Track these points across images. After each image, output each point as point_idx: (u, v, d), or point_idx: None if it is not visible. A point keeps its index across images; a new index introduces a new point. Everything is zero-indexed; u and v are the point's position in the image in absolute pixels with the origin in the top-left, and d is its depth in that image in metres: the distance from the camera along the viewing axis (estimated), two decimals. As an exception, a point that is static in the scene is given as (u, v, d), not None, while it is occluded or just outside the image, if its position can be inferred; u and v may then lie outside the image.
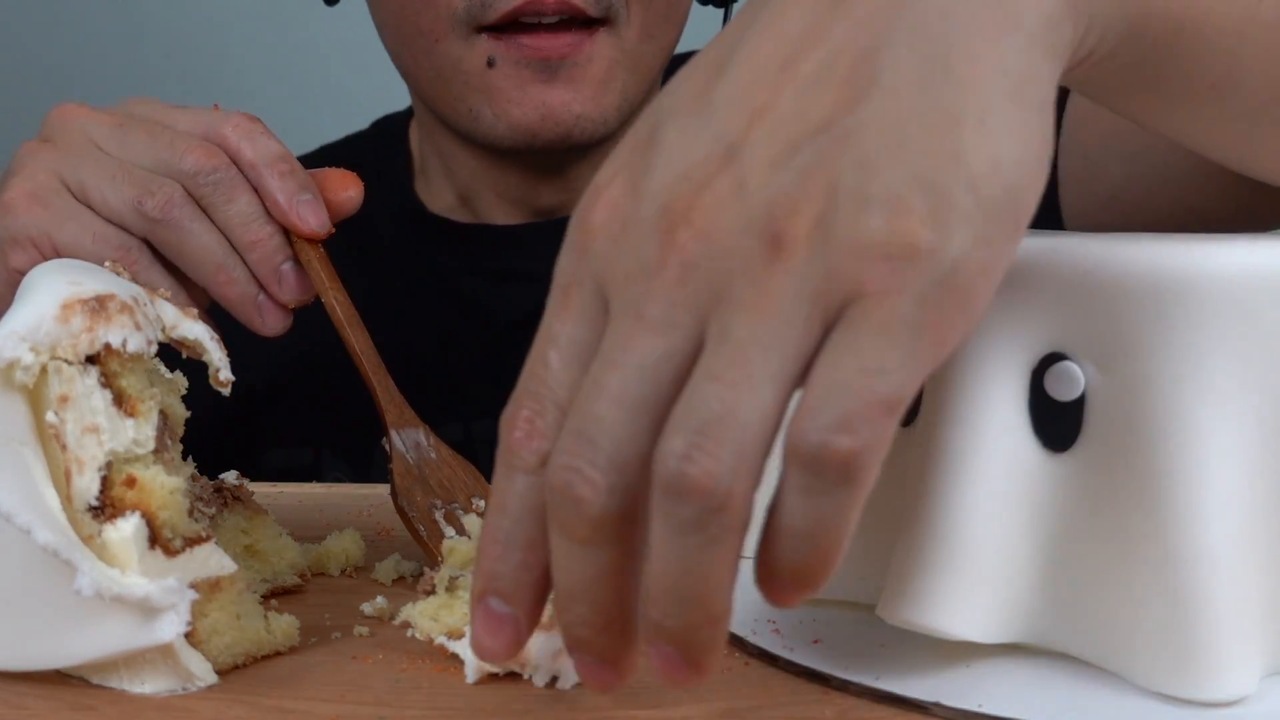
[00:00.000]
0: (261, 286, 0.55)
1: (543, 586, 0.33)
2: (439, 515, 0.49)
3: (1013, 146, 0.31)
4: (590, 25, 0.73)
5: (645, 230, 0.32)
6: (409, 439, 0.52)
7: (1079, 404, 0.37)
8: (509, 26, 0.72)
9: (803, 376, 0.30)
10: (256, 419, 0.78)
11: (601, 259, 0.33)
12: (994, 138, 0.31)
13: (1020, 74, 0.32)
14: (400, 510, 0.50)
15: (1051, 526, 0.38)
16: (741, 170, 0.31)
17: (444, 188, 0.87)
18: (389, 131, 0.92)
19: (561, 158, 0.79)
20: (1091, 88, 0.39)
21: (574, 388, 0.32)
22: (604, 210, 0.33)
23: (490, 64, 0.73)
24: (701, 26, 0.89)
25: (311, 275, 0.55)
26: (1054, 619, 0.38)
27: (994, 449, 0.37)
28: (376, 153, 0.91)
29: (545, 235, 0.83)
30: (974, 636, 0.37)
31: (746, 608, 0.44)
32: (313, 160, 0.93)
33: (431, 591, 0.44)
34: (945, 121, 0.30)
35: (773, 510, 0.31)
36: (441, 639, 0.41)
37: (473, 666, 0.40)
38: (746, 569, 0.48)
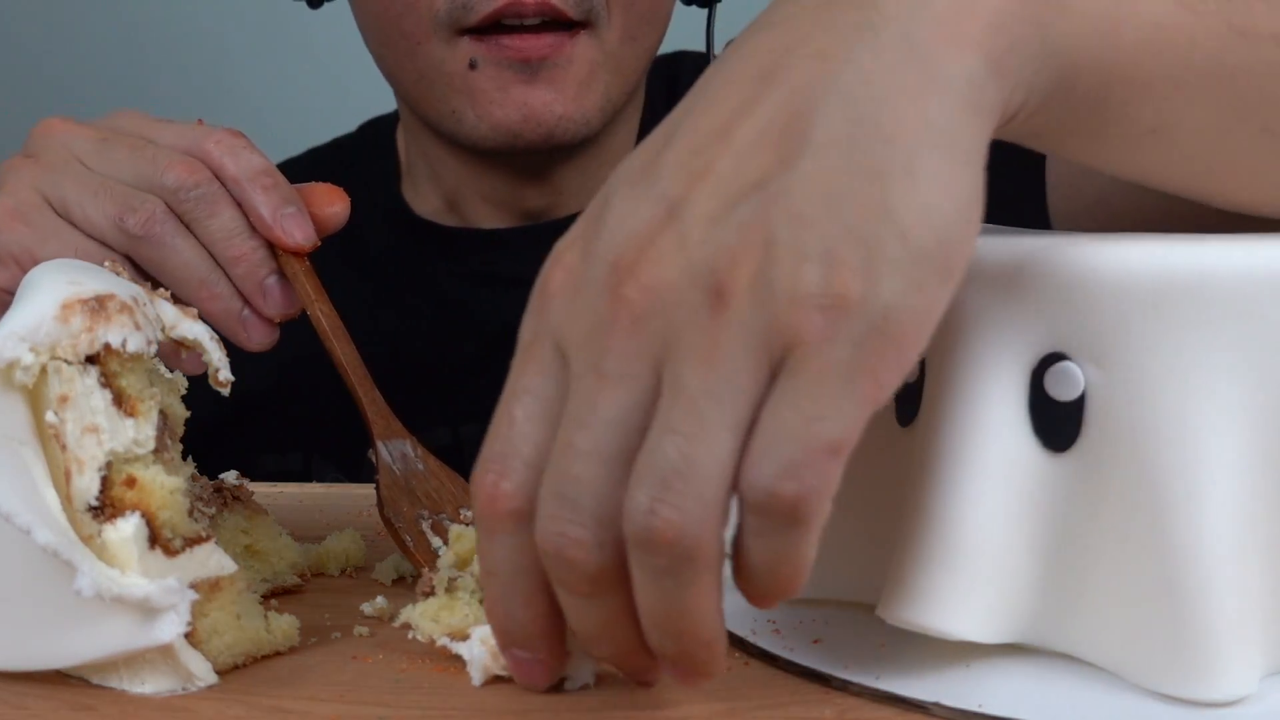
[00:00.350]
0: (246, 301, 0.55)
1: (554, 625, 0.36)
2: (426, 526, 0.49)
3: (941, 197, 0.32)
4: (571, 28, 0.73)
5: (596, 288, 0.34)
6: (395, 450, 0.52)
7: (1079, 404, 0.37)
8: (490, 29, 0.72)
9: (754, 420, 0.32)
10: (248, 423, 0.78)
11: (559, 318, 0.35)
12: (922, 189, 0.32)
13: (945, 129, 0.33)
14: (386, 521, 0.49)
15: (1051, 526, 0.38)
16: (683, 226, 0.33)
17: (430, 191, 0.87)
18: (376, 135, 0.92)
19: (546, 159, 0.79)
20: (1031, 139, 0.40)
21: (540, 442, 0.34)
22: (560, 273, 0.35)
23: (472, 66, 0.73)
24: (686, 27, 0.89)
25: (297, 289, 0.54)
26: (1054, 619, 0.38)
27: (994, 449, 0.37)
28: (364, 156, 0.91)
29: (532, 238, 0.83)
30: (974, 636, 0.37)
31: (746, 608, 0.45)
32: (301, 164, 0.93)
33: (430, 593, 0.44)
34: (874, 176, 0.32)
35: (735, 545, 0.33)
36: (444, 640, 0.41)
37: (479, 668, 0.40)
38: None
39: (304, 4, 0.87)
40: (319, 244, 0.56)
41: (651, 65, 0.90)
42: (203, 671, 0.39)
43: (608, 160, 0.84)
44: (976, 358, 0.38)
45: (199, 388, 0.44)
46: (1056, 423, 0.37)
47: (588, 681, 0.39)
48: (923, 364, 0.40)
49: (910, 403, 0.41)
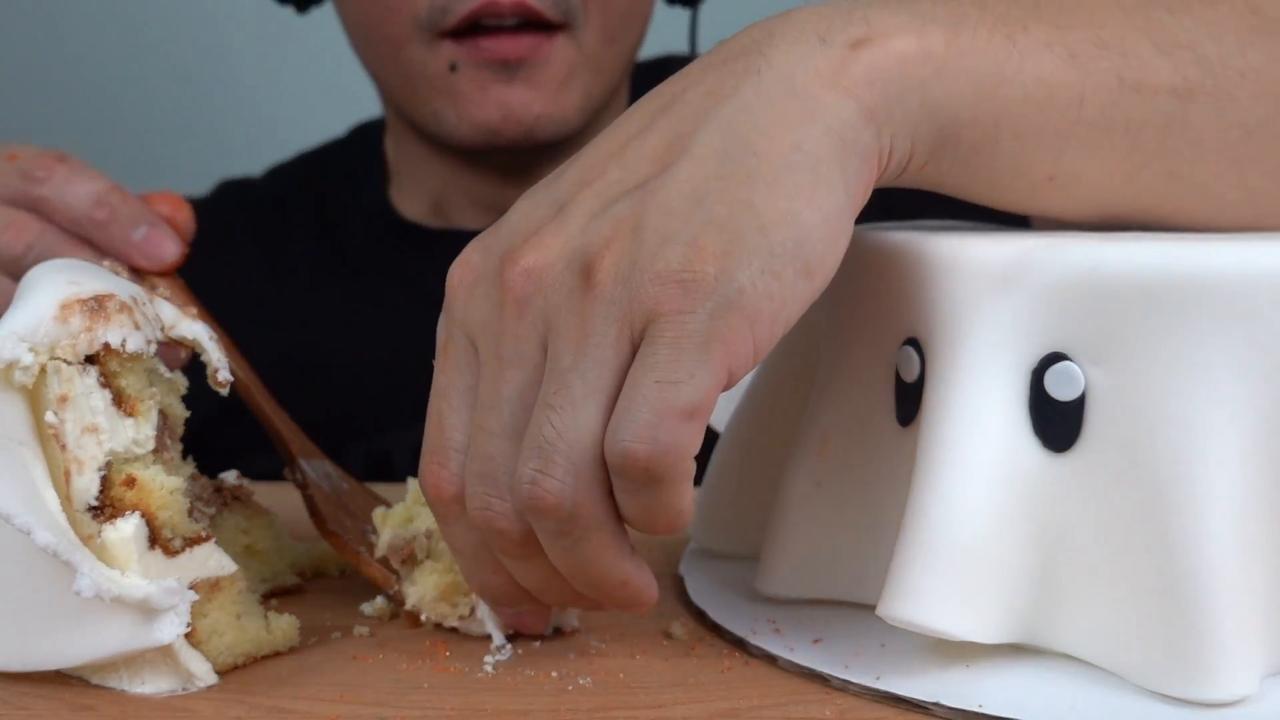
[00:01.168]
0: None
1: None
2: (372, 538, 0.47)
3: (803, 205, 0.36)
4: (549, 29, 0.73)
5: (489, 280, 0.38)
6: (318, 469, 0.51)
7: (1079, 404, 0.37)
8: (469, 31, 0.73)
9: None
10: (228, 425, 0.78)
11: (463, 312, 0.39)
12: (785, 196, 0.36)
13: (814, 154, 0.36)
14: (333, 535, 0.47)
15: (1051, 526, 0.38)
16: (566, 220, 0.37)
17: (416, 194, 0.87)
18: (365, 139, 0.92)
19: (528, 159, 0.80)
20: (935, 186, 0.42)
21: (465, 429, 0.39)
22: (462, 271, 0.39)
23: (453, 68, 0.74)
24: (669, 27, 0.89)
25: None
26: (1054, 619, 0.38)
27: (994, 449, 0.37)
28: (353, 160, 0.92)
29: None
30: (974, 636, 0.37)
31: (747, 608, 0.45)
32: (292, 167, 0.94)
33: (402, 601, 0.44)
34: (741, 181, 0.36)
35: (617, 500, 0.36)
36: (455, 623, 0.43)
37: (496, 628, 0.43)
38: (748, 569, 0.48)
39: (319, 5, 0.88)
40: (187, 252, 0.53)
41: (637, 69, 0.89)
42: (203, 671, 0.39)
43: None
44: (976, 358, 0.38)
45: (191, 390, 0.44)
46: (1056, 423, 0.37)
47: (574, 625, 0.44)
48: (923, 364, 0.40)
49: (910, 403, 0.41)
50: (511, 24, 0.73)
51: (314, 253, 0.88)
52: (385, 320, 0.85)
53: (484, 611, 0.43)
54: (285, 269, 0.88)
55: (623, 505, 0.36)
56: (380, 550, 0.45)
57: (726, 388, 0.35)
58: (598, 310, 0.35)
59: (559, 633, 0.44)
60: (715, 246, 0.34)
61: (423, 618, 0.44)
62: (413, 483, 0.46)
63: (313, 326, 0.85)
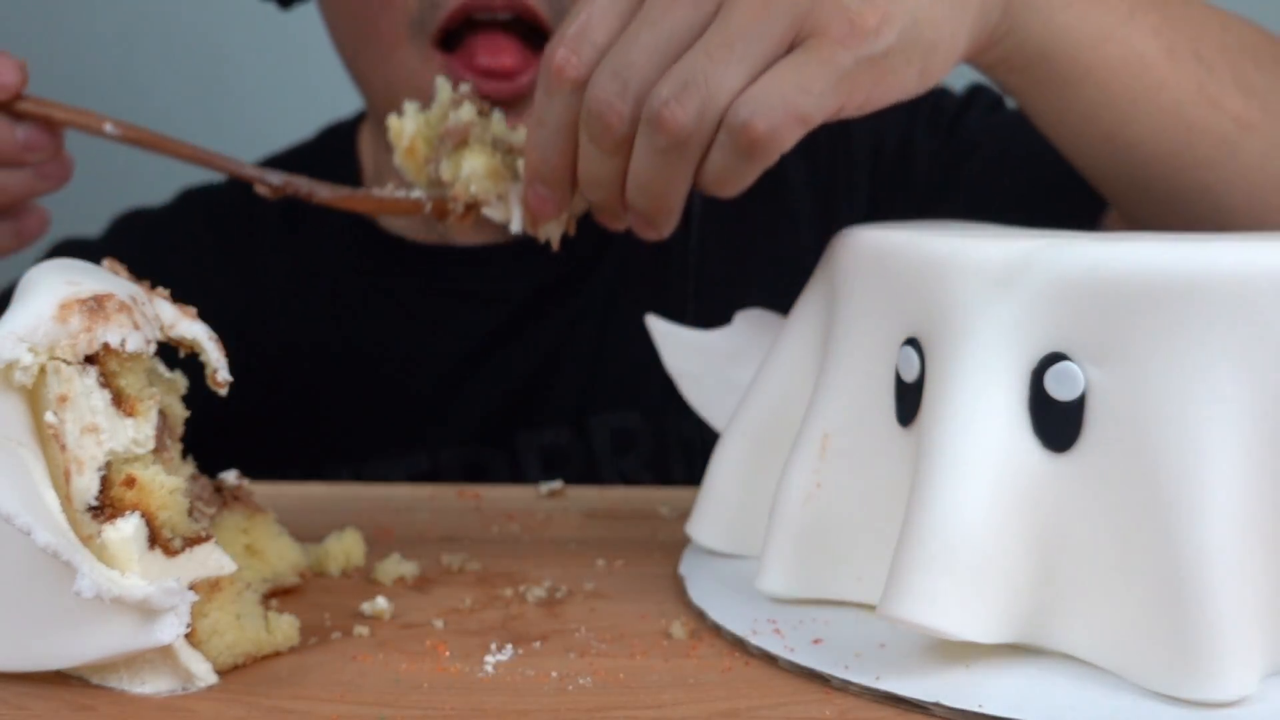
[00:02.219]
0: None
1: (570, 175, 0.48)
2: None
3: (945, 23, 0.46)
4: (542, 38, 0.70)
5: None
6: (276, 176, 0.55)
7: (1079, 404, 0.37)
8: (460, 35, 0.70)
9: (763, 71, 0.43)
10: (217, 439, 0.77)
11: None
12: (941, 9, 0.46)
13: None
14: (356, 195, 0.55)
15: (1051, 526, 0.38)
16: None
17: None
18: (336, 141, 0.89)
19: None
20: (1011, 93, 0.52)
21: (611, 33, 0.46)
22: None
23: None
24: None
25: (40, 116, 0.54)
26: (1054, 619, 0.38)
27: (994, 449, 0.37)
28: (323, 163, 0.86)
29: (508, 256, 0.81)
30: (974, 636, 0.37)
31: (747, 608, 0.44)
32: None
33: (463, 142, 0.51)
34: None
35: (703, 159, 0.45)
36: (490, 208, 0.52)
37: (517, 219, 0.51)
38: (748, 569, 0.48)
39: (304, 3, 0.86)
40: (23, 80, 0.54)
41: None
42: (203, 671, 0.39)
43: None
44: (976, 358, 0.38)
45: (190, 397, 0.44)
46: (1056, 423, 0.37)
47: (555, 236, 0.52)
48: (923, 364, 0.40)
49: (910, 403, 0.41)
50: (504, 19, 0.69)
51: (285, 264, 0.84)
52: (366, 336, 0.81)
53: (515, 194, 0.51)
54: (254, 280, 0.84)
55: (711, 160, 0.45)
56: (405, 139, 0.53)
57: (820, 121, 0.44)
58: (781, 3, 0.43)
59: (543, 246, 0.53)
60: (881, 9, 0.44)
61: (459, 202, 0.52)
62: (443, 86, 0.54)
63: (288, 343, 0.82)
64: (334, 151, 0.88)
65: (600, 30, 0.46)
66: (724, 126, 0.44)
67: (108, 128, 0.53)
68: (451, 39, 0.71)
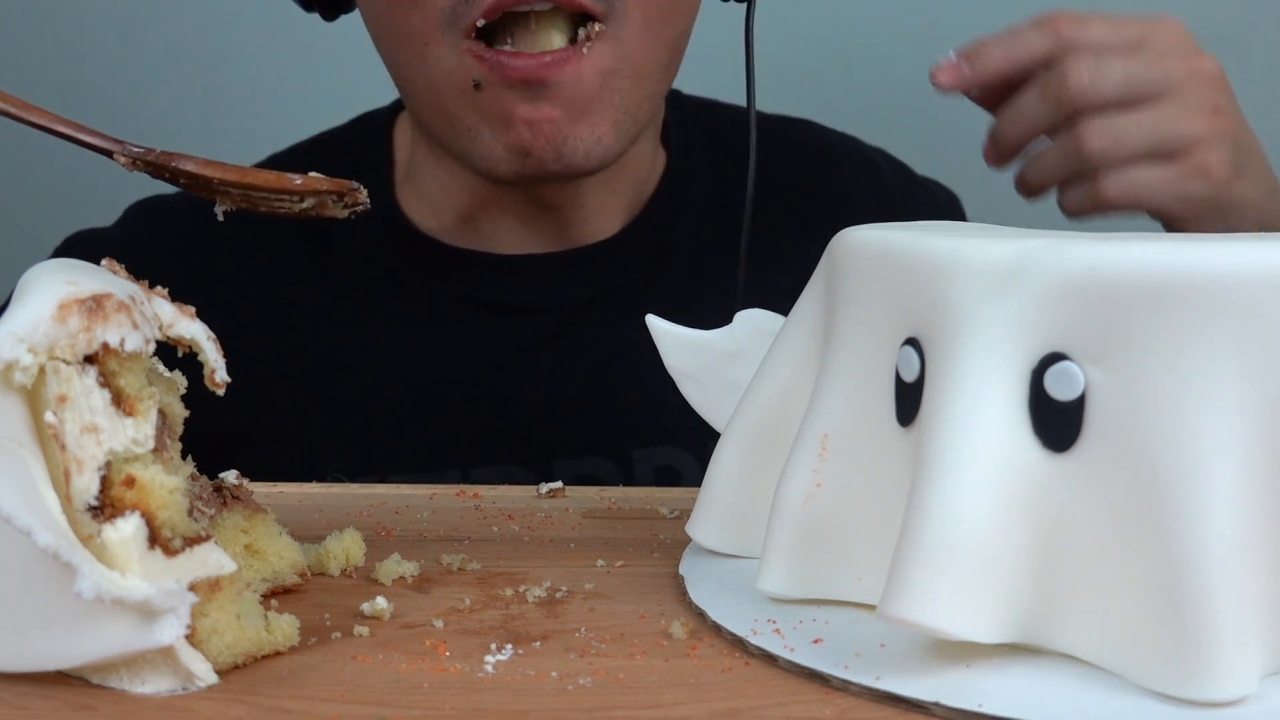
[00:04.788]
0: None
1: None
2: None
3: (1237, 169, 0.72)
4: (586, 24, 0.69)
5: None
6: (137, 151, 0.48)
7: (1079, 404, 0.37)
8: (498, 26, 0.69)
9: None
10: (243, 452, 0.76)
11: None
12: (1247, 168, 0.72)
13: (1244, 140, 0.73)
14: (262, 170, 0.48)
15: (1051, 526, 0.38)
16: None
17: (439, 205, 0.82)
18: (368, 131, 0.86)
19: (564, 186, 0.77)
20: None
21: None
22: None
23: (476, 86, 0.70)
24: (723, 24, 0.84)
25: None
26: (1054, 619, 0.38)
27: (994, 449, 0.37)
28: (353, 153, 0.86)
29: (547, 267, 0.80)
30: (974, 636, 0.37)
31: (747, 608, 0.44)
32: (283, 159, 0.87)
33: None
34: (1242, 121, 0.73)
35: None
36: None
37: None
38: (748, 569, 0.48)
39: (348, 13, 0.82)
40: None
41: (684, 103, 0.85)
42: (203, 671, 0.39)
43: (627, 180, 0.81)
44: (976, 358, 0.38)
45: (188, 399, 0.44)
46: (1056, 423, 0.37)
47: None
48: (923, 364, 0.40)
49: (910, 403, 0.41)
50: (544, 8, 0.68)
51: (305, 259, 0.82)
52: (394, 343, 0.80)
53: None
54: (273, 277, 0.82)
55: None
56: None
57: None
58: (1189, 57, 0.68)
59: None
60: (1233, 123, 0.69)
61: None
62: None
63: (305, 345, 0.80)
64: (365, 143, 0.85)
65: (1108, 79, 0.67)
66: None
67: None
68: (491, 32, 0.69)
